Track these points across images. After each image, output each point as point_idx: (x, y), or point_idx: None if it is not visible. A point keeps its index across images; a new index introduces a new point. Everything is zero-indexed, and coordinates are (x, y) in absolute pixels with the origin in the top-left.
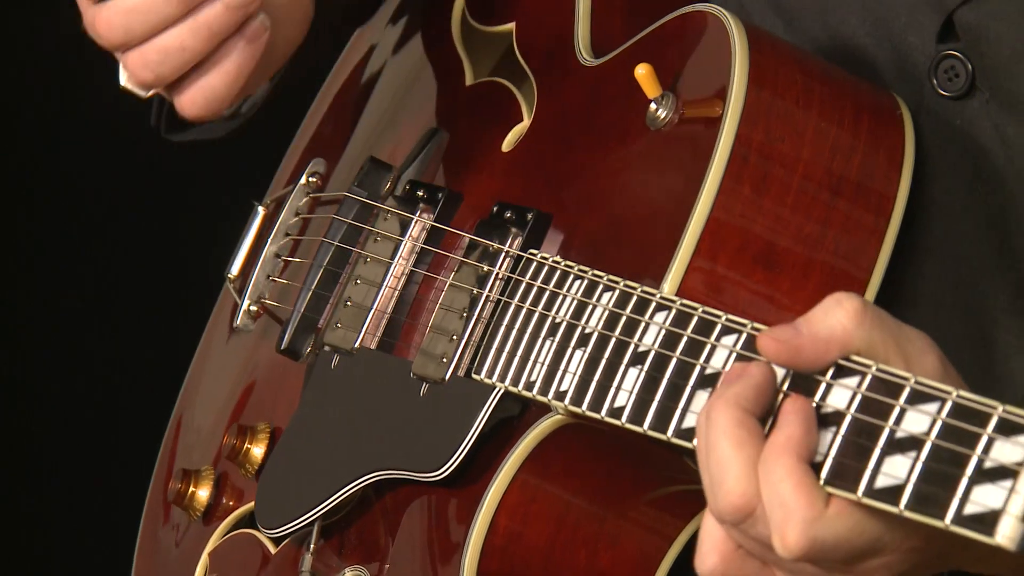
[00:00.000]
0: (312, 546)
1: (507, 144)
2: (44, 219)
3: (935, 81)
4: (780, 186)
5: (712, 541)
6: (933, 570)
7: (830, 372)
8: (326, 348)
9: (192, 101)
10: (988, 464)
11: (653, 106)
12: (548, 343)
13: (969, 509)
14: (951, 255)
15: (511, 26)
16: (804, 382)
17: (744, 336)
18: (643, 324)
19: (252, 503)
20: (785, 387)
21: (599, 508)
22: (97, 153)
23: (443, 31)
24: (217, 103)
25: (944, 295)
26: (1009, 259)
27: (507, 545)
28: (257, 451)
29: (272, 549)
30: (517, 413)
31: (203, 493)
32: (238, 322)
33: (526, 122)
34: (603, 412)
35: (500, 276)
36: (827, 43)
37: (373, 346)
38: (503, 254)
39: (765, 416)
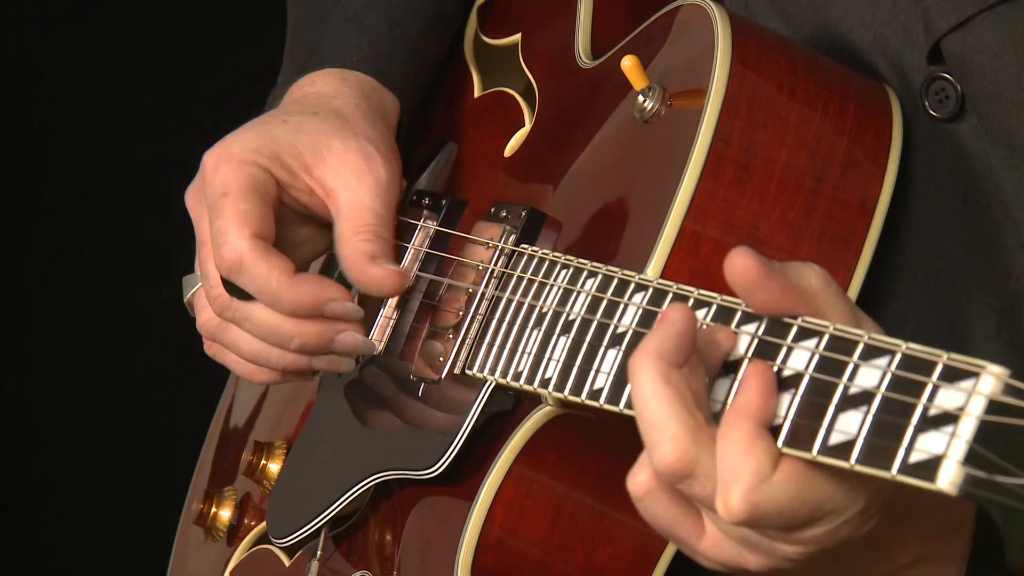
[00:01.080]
0: (319, 553)
1: (509, 149)
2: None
3: (927, 102)
4: (763, 172)
5: (648, 459)
6: (850, 566)
7: (791, 335)
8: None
9: (219, 353)
10: (932, 411)
11: (640, 98)
12: (535, 333)
13: (914, 457)
14: (936, 278)
15: (517, 37)
16: (767, 348)
17: (714, 307)
18: (622, 306)
19: None
20: (750, 354)
21: (596, 503)
22: (116, 159)
23: (454, 49)
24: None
25: (927, 318)
26: (993, 286)
27: (503, 540)
28: (274, 467)
29: (286, 561)
30: (510, 408)
31: (225, 513)
32: None
33: (527, 127)
34: (583, 395)
35: (495, 273)
36: (828, 51)
37: (379, 351)
38: (497, 251)
39: (722, 375)
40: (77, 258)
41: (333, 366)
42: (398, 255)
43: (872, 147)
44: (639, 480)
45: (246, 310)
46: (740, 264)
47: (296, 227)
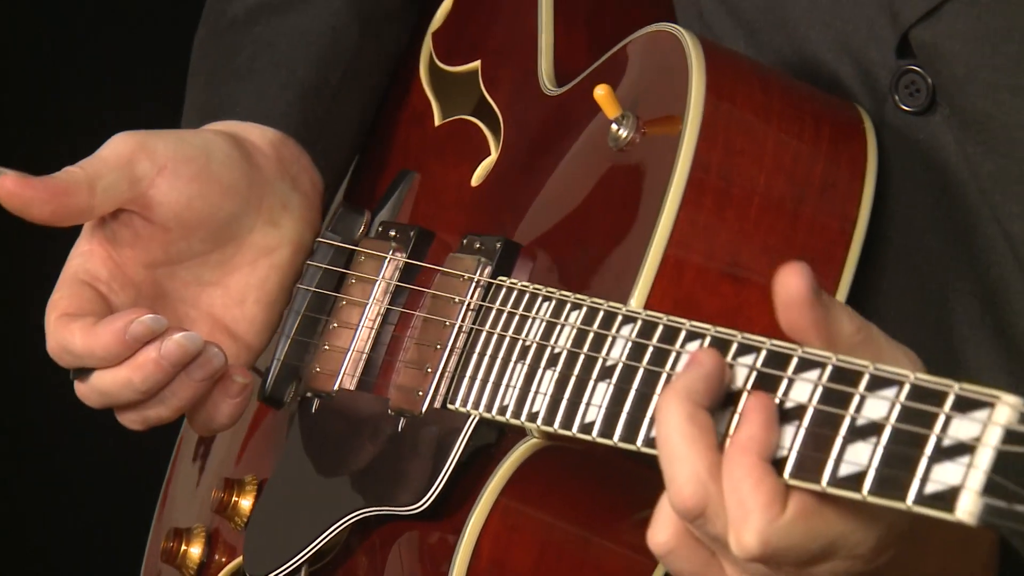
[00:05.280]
0: None
1: (476, 179)
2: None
3: (897, 97)
4: (743, 198)
5: (667, 516)
6: None
7: (792, 367)
8: (308, 394)
9: (131, 422)
10: (946, 442)
11: (614, 126)
12: (519, 366)
13: (930, 488)
14: (917, 270)
15: (477, 64)
16: (767, 380)
17: (708, 340)
18: (610, 338)
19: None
20: (749, 385)
21: (582, 532)
22: None
23: (411, 75)
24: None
25: (911, 310)
26: (975, 273)
27: (491, 573)
28: (245, 503)
29: None
30: (494, 440)
31: (195, 551)
32: None
33: (494, 155)
34: (575, 428)
35: (471, 306)
36: (791, 58)
37: (352, 387)
38: (473, 283)
39: (720, 407)
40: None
41: (207, 375)
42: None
43: (848, 167)
44: (660, 539)
45: (93, 385)
46: (795, 283)
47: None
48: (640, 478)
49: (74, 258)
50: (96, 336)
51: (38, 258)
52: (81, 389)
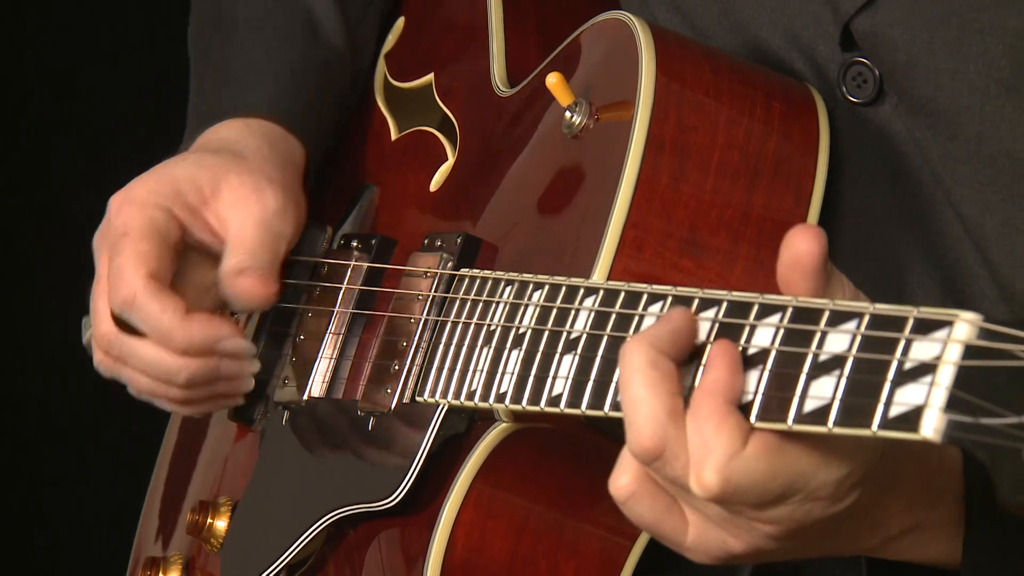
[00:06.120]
0: None
1: (434, 184)
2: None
3: (844, 88)
4: (698, 173)
5: (628, 461)
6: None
7: (753, 314)
8: (278, 407)
9: (137, 388)
10: (908, 365)
11: (568, 114)
12: (485, 351)
13: (894, 411)
14: (875, 257)
15: (430, 77)
16: (730, 329)
17: (669, 300)
18: (573, 311)
19: None
20: (712, 338)
21: (557, 516)
22: (111, 158)
23: (366, 98)
24: None
25: (871, 295)
26: (934, 259)
27: (467, 562)
28: (220, 524)
29: None
30: (464, 430)
31: None
32: None
33: (451, 160)
34: (542, 403)
35: (435, 298)
36: (744, 54)
37: (321, 393)
38: (436, 277)
39: (686, 363)
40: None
41: (232, 390)
42: (330, 299)
43: (801, 142)
44: (621, 483)
45: (130, 346)
46: (807, 247)
47: (204, 270)
48: (612, 457)
49: (155, 213)
50: (186, 325)
51: (38, 258)
52: (108, 336)
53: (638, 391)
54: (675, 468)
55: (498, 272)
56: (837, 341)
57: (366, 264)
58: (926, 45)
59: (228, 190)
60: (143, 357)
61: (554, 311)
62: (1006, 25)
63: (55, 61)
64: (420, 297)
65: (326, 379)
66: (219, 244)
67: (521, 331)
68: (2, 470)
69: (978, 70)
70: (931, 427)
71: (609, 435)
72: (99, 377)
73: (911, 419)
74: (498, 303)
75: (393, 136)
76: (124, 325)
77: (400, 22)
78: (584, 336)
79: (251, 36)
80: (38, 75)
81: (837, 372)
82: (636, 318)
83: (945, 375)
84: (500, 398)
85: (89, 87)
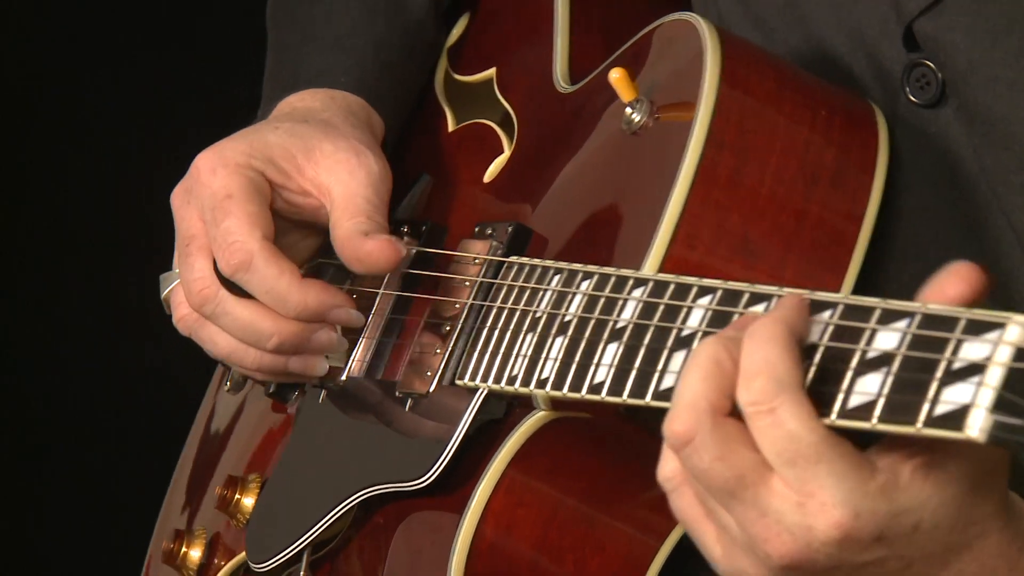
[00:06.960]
0: (302, 574)
1: (488, 175)
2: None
3: (908, 89)
4: (755, 176)
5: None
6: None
7: None
8: (316, 386)
9: (213, 344)
10: (957, 364)
11: (628, 110)
12: (529, 336)
13: (940, 410)
14: (929, 261)
15: (492, 71)
16: None
17: (719, 293)
18: (621, 301)
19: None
20: None
21: (587, 510)
22: (108, 158)
23: (425, 91)
24: None
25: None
26: (985, 265)
27: (495, 546)
28: (248, 501)
29: None
30: (501, 416)
31: (195, 553)
32: (227, 385)
33: (507, 152)
34: (584, 390)
35: (482, 284)
36: (807, 55)
37: (360, 373)
38: (484, 264)
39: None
40: (66, 257)
41: (307, 367)
42: (376, 281)
43: (859, 156)
44: (664, 473)
45: (228, 305)
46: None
47: (281, 233)
48: (649, 453)
49: (252, 175)
50: (304, 290)
51: (37, 259)
52: (206, 293)
53: (690, 378)
54: (703, 460)
55: (547, 261)
56: (887, 339)
57: (415, 248)
58: (987, 53)
59: (324, 156)
60: (238, 317)
61: (602, 300)
62: None
63: (55, 61)
64: (467, 283)
65: (366, 359)
66: (310, 211)
67: (567, 319)
68: (4, 468)
69: None
70: (977, 427)
71: (647, 426)
72: (105, 373)
73: (956, 418)
74: (545, 291)
75: (450, 128)
76: (231, 287)
77: (464, 18)
78: (631, 326)
79: (337, 4)
80: (38, 76)
81: (885, 369)
82: (684, 310)
83: (994, 376)
84: (541, 384)
85: (89, 87)
